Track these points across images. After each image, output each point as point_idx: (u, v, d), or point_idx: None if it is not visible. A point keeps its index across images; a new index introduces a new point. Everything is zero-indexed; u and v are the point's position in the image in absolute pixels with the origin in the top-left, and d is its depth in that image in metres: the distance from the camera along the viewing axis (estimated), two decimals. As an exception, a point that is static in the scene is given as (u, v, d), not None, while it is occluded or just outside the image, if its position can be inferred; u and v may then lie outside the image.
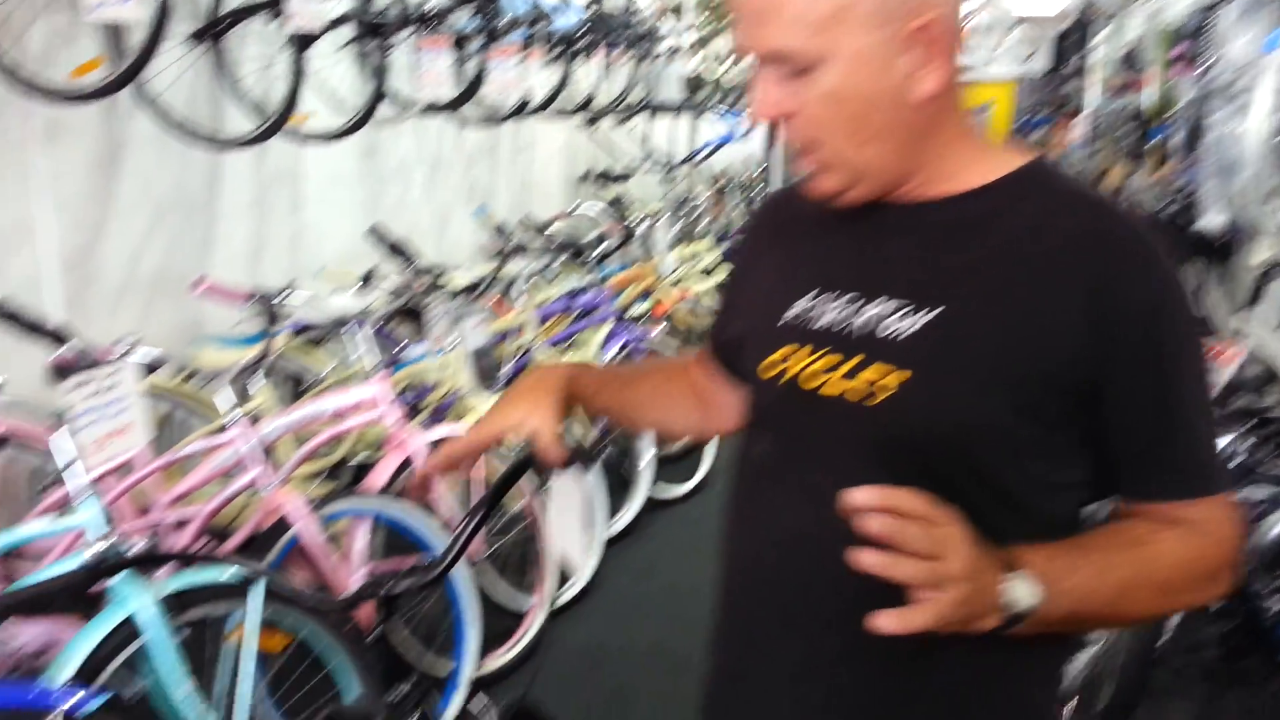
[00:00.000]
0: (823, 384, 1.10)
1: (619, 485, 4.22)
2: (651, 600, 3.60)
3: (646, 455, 4.24)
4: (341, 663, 2.36)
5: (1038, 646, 1.04)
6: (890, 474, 0.96)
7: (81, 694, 1.80)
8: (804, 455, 1.13)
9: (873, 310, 1.09)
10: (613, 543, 4.08)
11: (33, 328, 2.37)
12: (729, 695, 1.25)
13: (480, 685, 2.82)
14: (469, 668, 2.84)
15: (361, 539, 2.76)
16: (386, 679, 1.37)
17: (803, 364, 1.12)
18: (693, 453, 4.76)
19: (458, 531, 1.34)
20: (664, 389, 1.45)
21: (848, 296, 1.11)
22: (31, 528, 2.11)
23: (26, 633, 2.46)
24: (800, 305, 1.15)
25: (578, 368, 1.38)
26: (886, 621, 0.88)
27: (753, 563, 1.22)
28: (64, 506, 2.36)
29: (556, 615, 3.40)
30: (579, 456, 1.26)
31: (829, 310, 1.12)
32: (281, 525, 2.59)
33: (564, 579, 3.51)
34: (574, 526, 1.40)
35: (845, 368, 1.08)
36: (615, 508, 4.16)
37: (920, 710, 1.10)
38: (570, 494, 1.37)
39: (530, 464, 1.31)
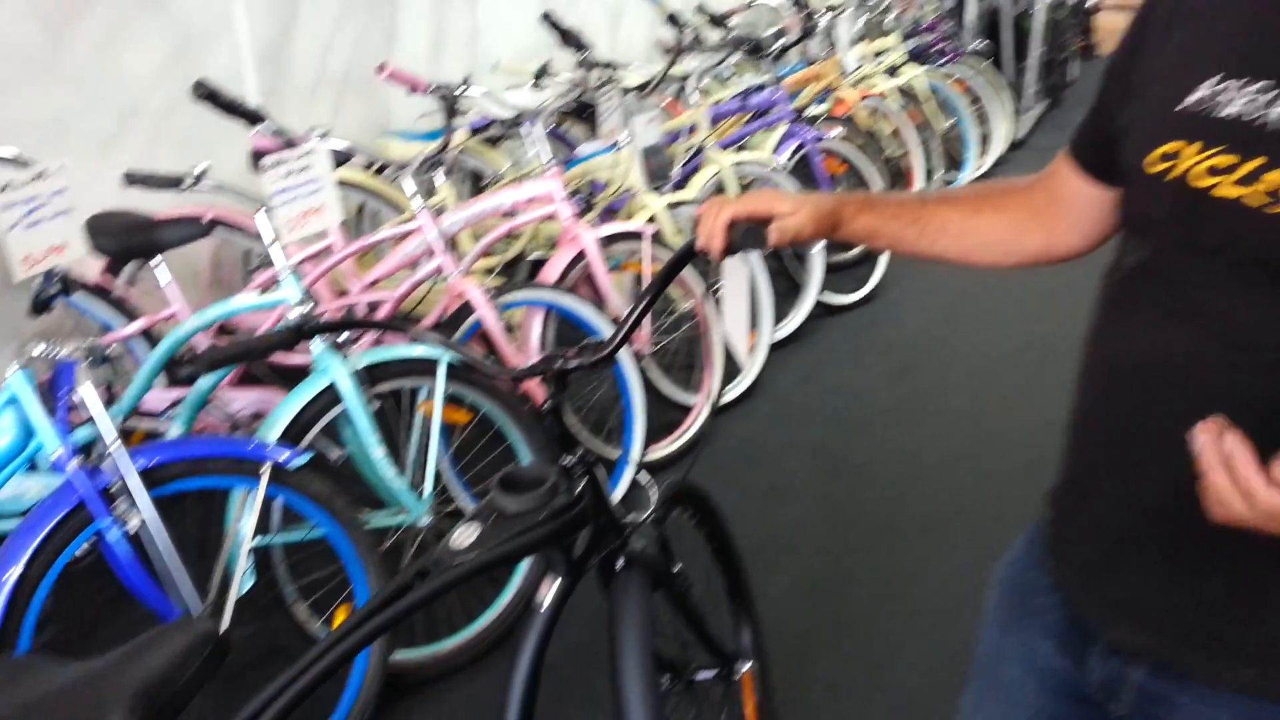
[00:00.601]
0: (1215, 185, 0.95)
1: (789, 290, 4.20)
2: (812, 404, 3.64)
3: (817, 261, 4.18)
4: (517, 436, 2.52)
5: None
6: None
7: (289, 451, 2.02)
8: (1186, 265, 1.00)
9: None
10: (778, 347, 4.11)
11: (230, 107, 2.50)
12: (1077, 511, 1.15)
13: (645, 471, 2.97)
14: (635, 453, 2.98)
15: (536, 327, 2.89)
16: (556, 451, 1.45)
17: (1192, 161, 0.97)
18: (865, 262, 4.66)
19: (627, 314, 1.38)
20: (981, 213, 1.26)
21: (1259, 85, 0.94)
22: (240, 301, 2.30)
23: (242, 399, 2.75)
24: (1201, 91, 0.98)
25: (857, 196, 1.30)
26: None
27: (1118, 378, 1.08)
28: (270, 286, 2.57)
29: (720, 412, 3.50)
30: (745, 243, 1.24)
31: (1237, 100, 0.95)
32: (464, 311, 2.73)
33: (728, 379, 3.58)
34: (740, 316, 1.40)
35: (1243, 170, 0.93)
36: (782, 312, 4.16)
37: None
38: (739, 285, 1.37)
39: (693, 252, 1.31)
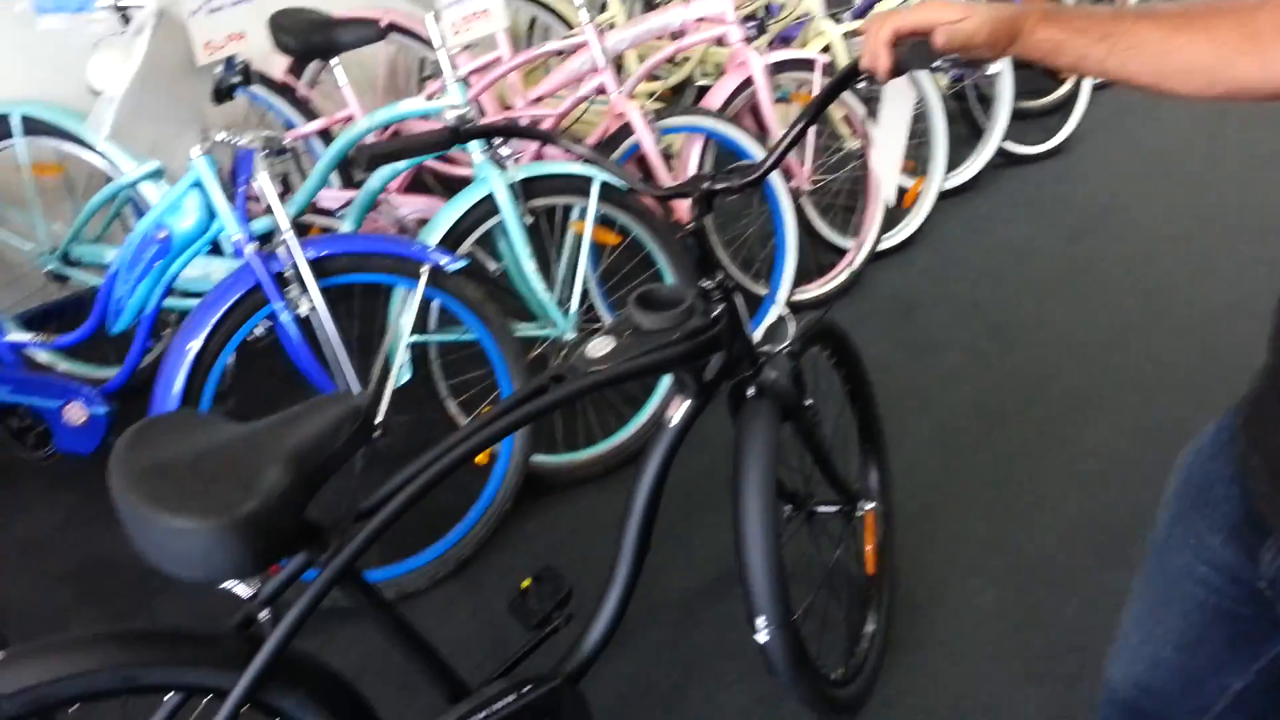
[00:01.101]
0: None
1: (969, 136, 3.96)
2: (977, 258, 3.48)
3: (1003, 105, 3.89)
4: (663, 262, 2.53)
5: None
6: None
7: (447, 256, 2.09)
8: None
9: None
10: (948, 195, 3.91)
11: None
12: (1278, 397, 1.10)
13: (792, 309, 2.94)
14: (783, 291, 2.95)
15: (694, 155, 2.84)
16: (698, 275, 1.46)
17: None
18: (1057, 112, 4.32)
19: (781, 137, 1.33)
20: (1184, 32, 1.11)
21: None
22: (407, 105, 2.35)
23: (408, 205, 2.85)
24: None
25: (1039, 6, 1.18)
26: None
27: None
28: (438, 94, 2.61)
29: (877, 259, 3.40)
30: (912, 61, 1.15)
31: None
32: (623, 133, 2.71)
33: (888, 225, 3.46)
34: (895, 150, 1.33)
35: None
36: (958, 159, 3.93)
37: None
38: (899, 113, 1.30)
39: (857, 72, 1.24)
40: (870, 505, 1.88)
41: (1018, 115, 4.05)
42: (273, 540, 1.09)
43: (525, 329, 2.40)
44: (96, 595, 2.19)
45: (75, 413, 2.11)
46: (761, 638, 1.53)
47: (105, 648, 1.11)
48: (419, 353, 2.26)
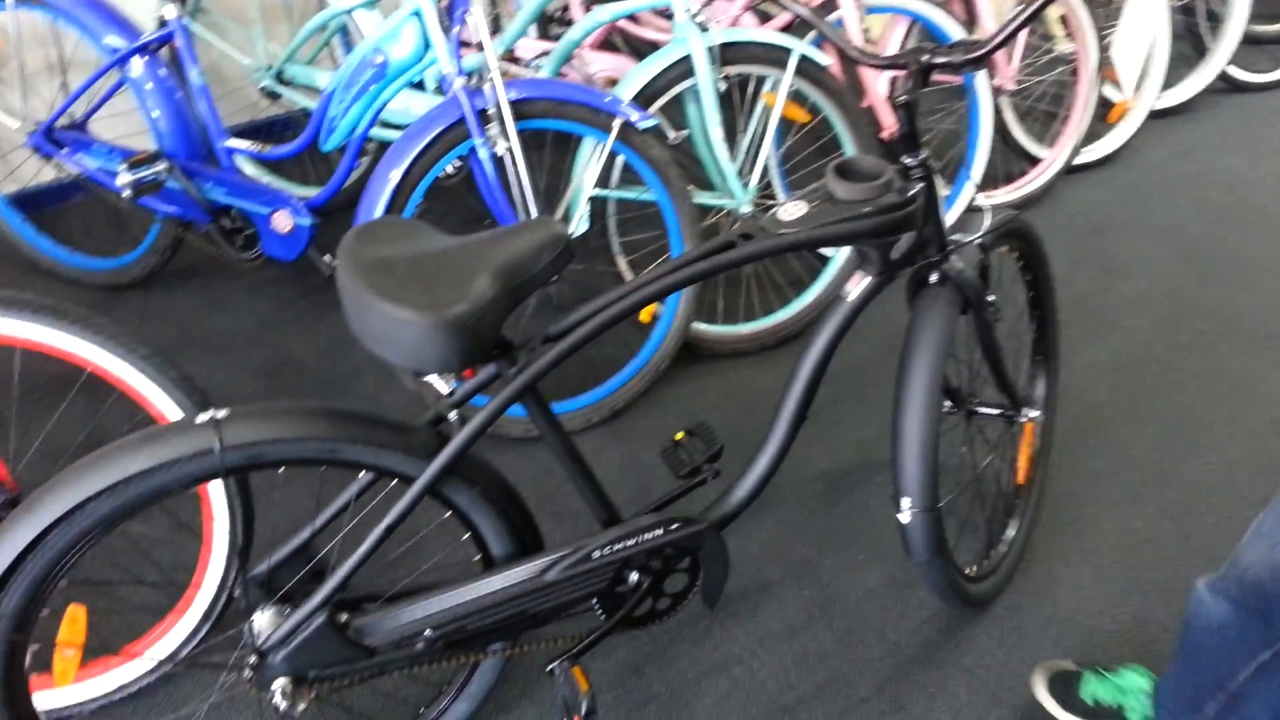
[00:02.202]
0: None
1: (1190, 55, 3.67)
2: (1179, 184, 3.26)
3: (1235, 25, 3.57)
4: (849, 145, 2.48)
5: None
6: None
7: (639, 112, 2.11)
8: None
9: None
10: (1159, 115, 3.66)
11: None
12: None
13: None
14: (968, 190, 2.86)
15: (896, 37, 2.74)
16: (900, 150, 1.44)
17: None
18: (1298, 36, 3.94)
19: (1005, 23, 1.28)
20: None
21: None
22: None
23: (600, 62, 2.87)
24: None
25: None
26: None
27: None
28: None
29: (1070, 173, 3.24)
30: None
31: None
32: (828, 7, 2.63)
33: (1089, 139, 3.27)
34: (1133, 59, 1.25)
35: None
36: (1175, 78, 3.66)
37: None
38: (1142, 21, 1.22)
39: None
40: (1033, 414, 1.85)
41: (1248, 39, 3.73)
42: (474, 344, 1.18)
43: (702, 197, 2.42)
44: (284, 391, 2.39)
45: (282, 221, 2.27)
46: (904, 518, 1.55)
47: (316, 419, 1.23)
48: (597, 208, 2.31)
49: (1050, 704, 1.65)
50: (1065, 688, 1.65)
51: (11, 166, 2.92)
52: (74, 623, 1.28)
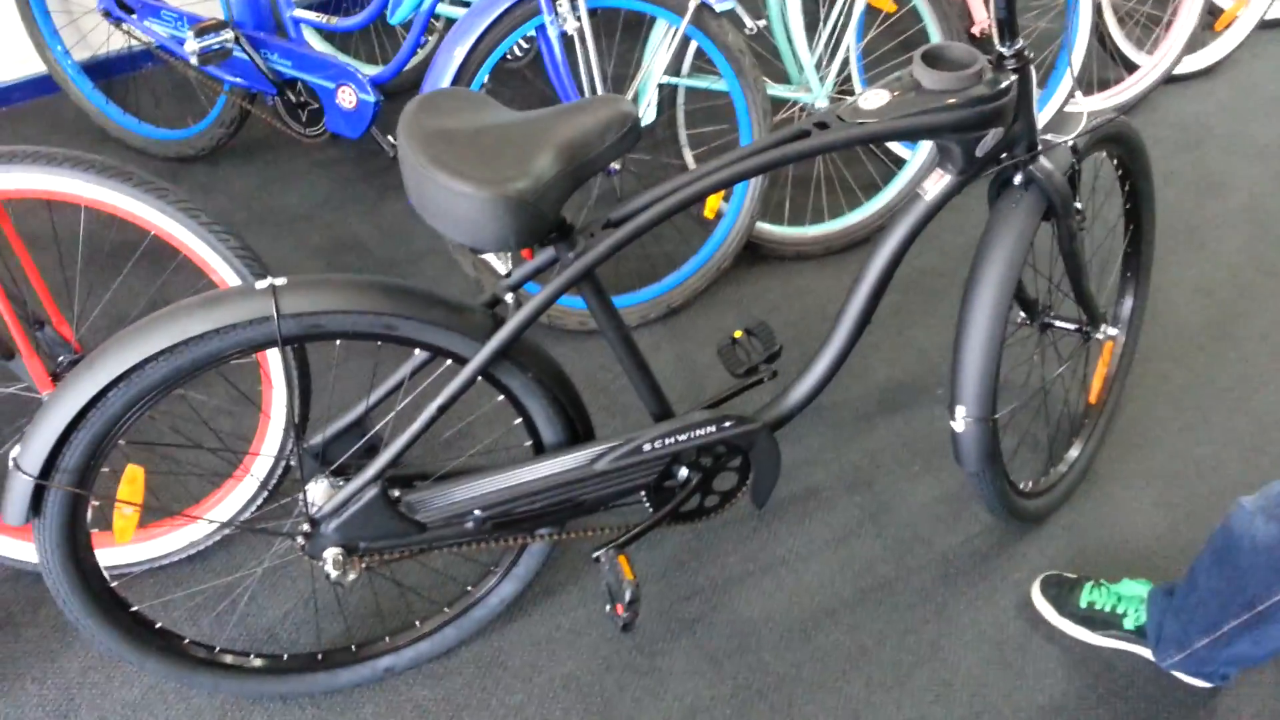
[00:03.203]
0: None
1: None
2: (1289, 102, 3.06)
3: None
4: (936, 37, 2.36)
5: None
6: None
7: (717, -5, 2.01)
8: None
9: None
10: (1270, 26, 3.42)
11: None
12: None
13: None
14: (1059, 94, 2.71)
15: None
16: (999, 38, 1.35)
17: None
18: None
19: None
20: None
21: None
22: None
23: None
24: None
25: None
26: None
27: None
28: None
29: (1170, 82, 3.05)
30: None
31: None
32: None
33: (1191, 47, 3.06)
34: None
35: None
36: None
37: None
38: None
39: None
40: (1113, 333, 1.78)
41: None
42: (534, 223, 1.14)
43: (777, 89, 2.32)
44: (344, 269, 2.39)
45: (347, 96, 2.23)
46: (958, 426, 1.51)
47: (374, 293, 1.22)
48: (666, 96, 2.23)
49: (1045, 608, 1.64)
50: (1061, 594, 1.64)
51: (83, 32, 2.91)
52: (133, 481, 1.31)
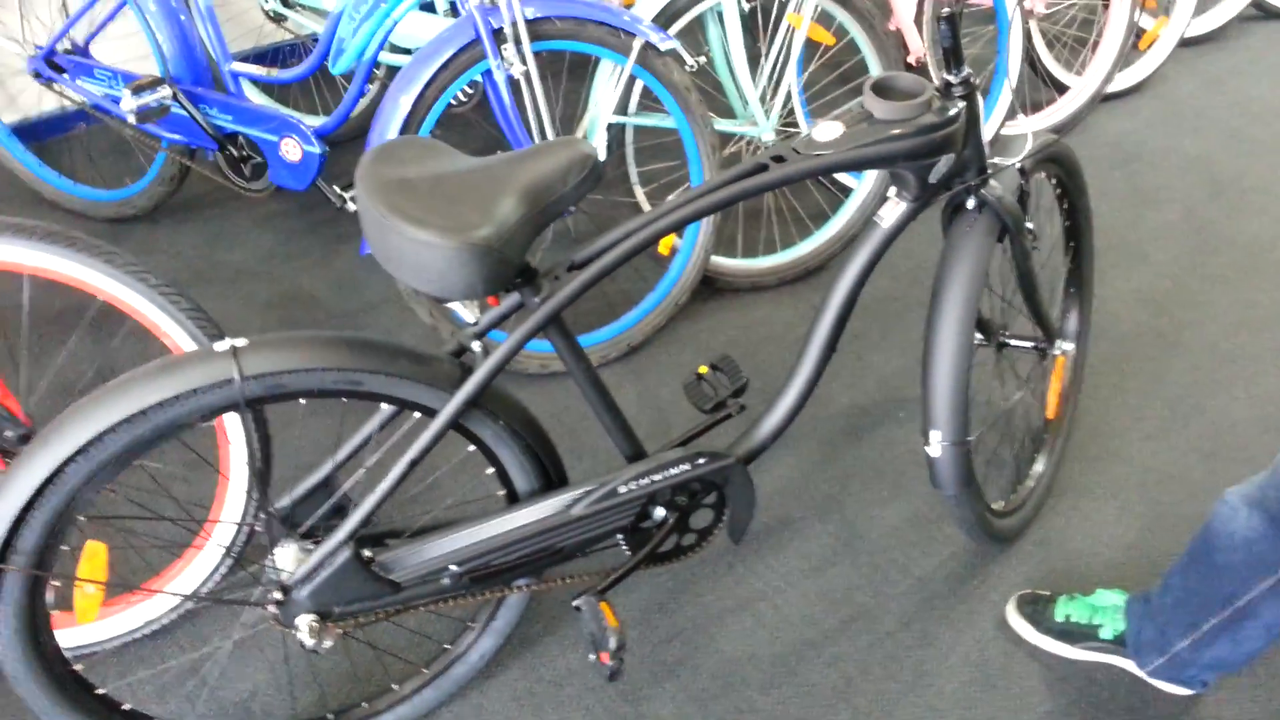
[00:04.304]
0: None
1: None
2: (1210, 114, 3.17)
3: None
4: (875, 70, 2.40)
5: None
6: None
7: (660, 33, 2.03)
8: None
9: None
10: (1189, 43, 3.55)
11: None
12: None
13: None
14: (993, 120, 2.78)
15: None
16: (944, 66, 1.37)
17: None
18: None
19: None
20: None
21: None
22: None
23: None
24: None
25: None
26: None
27: None
28: None
29: (1102, 101, 3.14)
30: None
31: None
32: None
33: (1120, 66, 3.17)
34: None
35: None
36: (1205, 3, 3.54)
37: None
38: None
39: None
40: (1066, 348, 1.81)
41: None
42: (500, 269, 1.13)
43: (723, 124, 2.34)
44: (297, 324, 2.35)
45: (291, 148, 2.20)
46: (934, 451, 1.52)
47: (337, 349, 1.19)
48: (615, 135, 2.24)
49: (1021, 626, 1.65)
50: (1037, 611, 1.65)
51: (12, 94, 2.84)
52: (94, 558, 1.26)
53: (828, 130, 1.35)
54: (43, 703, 1.26)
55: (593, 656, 1.40)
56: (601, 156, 2.21)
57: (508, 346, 1.24)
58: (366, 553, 1.31)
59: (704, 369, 1.61)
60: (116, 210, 2.62)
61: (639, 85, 2.18)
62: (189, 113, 2.25)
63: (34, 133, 2.93)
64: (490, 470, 1.39)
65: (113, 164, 2.90)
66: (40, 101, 2.87)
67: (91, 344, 2.26)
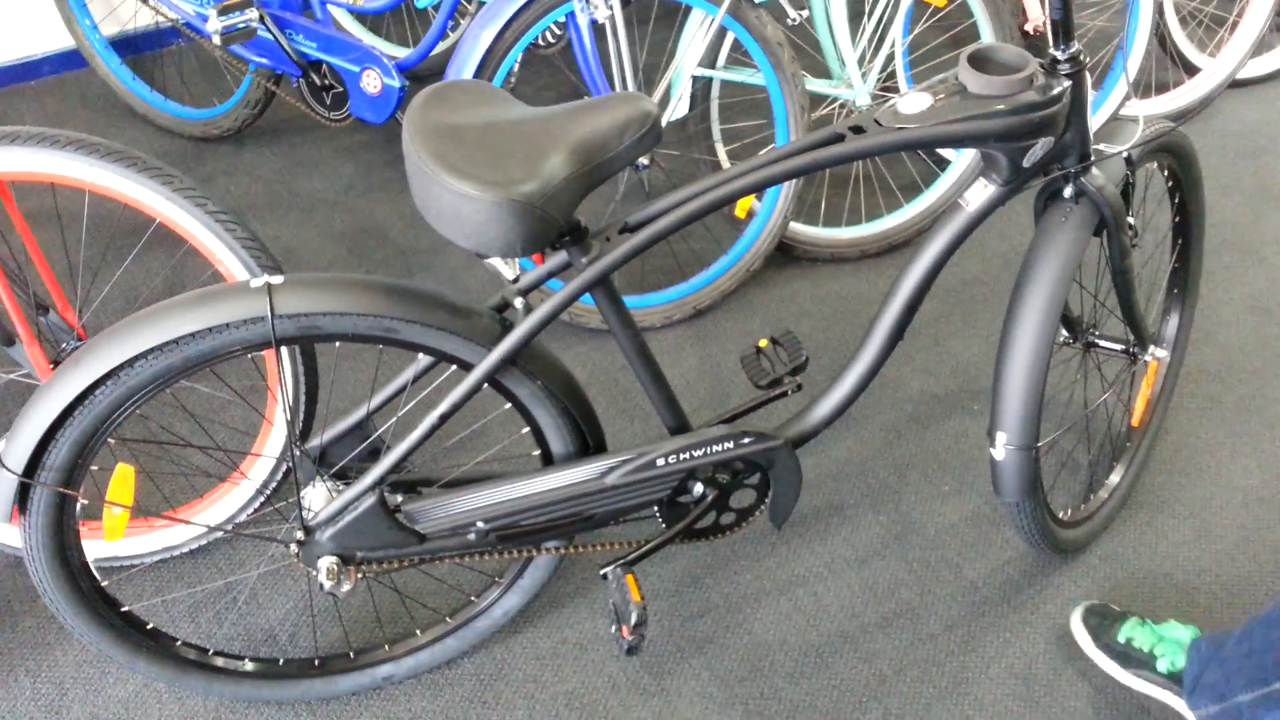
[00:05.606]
0: None
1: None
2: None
3: None
4: (987, 35, 2.25)
5: None
6: None
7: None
8: None
9: None
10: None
11: None
12: None
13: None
14: (1114, 97, 2.59)
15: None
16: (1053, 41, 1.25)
17: None
18: None
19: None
20: None
21: None
22: None
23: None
24: None
25: None
26: None
27: None
28: None
29: (1233, 87, 2.91)
30: None
31: None
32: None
33: (1256, 50, 2.92)
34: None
35: None
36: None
37: None
38: None
39: None
40: (1160, 354, 1.67)
41: None
42: (542, 228, 1.07)
43: (817, 85, 2.23)
44: (365, 258, 2.34)
45: (372, 80, 2.17)
46: (997, 454, 1.42)
47: (374, 294, 1.16)
48: (700, 89, 2.15)
49: (1081, 635, 1.55)
50: (1102, 625, 1.54)
51: (112, 4, 2.88)
52: (122, 481, 1.26)
53: (915, 102, 1.25)
54: (67, 614, 1.28)
55: (614, 629, 1.36)
56: (684, 111, 2.13)
57: (549, 308, 1.19)
58: (394, 500, 1.29)
59: (764, 342, 1.54)
60: (202, 129, 2.64)
61: (730, 38, 2.08)
62: (274, 37, 2.24)
63: (130, 46, 2.96)
64: (526, 429, 1.35)
65: (202, 83, 2.93)
66: (137, 16, 2.89)
67: (153, 262, 2.29)
